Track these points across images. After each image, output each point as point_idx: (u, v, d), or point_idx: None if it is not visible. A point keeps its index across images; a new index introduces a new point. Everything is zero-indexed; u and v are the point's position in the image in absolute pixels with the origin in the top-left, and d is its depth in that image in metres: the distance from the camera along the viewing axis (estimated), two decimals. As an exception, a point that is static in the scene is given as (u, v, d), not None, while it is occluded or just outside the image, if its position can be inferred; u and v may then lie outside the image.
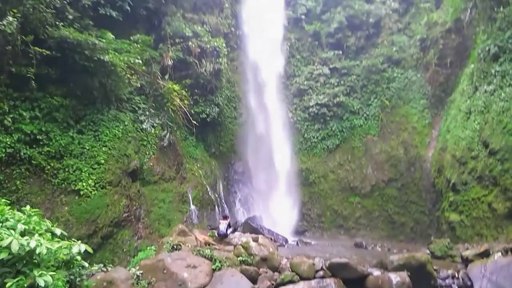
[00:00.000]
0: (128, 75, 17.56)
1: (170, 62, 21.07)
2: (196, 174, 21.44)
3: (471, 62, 22.06)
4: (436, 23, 25.33)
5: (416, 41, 26.79)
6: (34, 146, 14.01)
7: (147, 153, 18.66)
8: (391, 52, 27.81)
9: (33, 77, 13.60)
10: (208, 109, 23.72)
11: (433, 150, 24.45)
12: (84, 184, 14.63)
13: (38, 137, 14.06)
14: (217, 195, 23.07)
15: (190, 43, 22.05)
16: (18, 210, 7.01)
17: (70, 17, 15.26)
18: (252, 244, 12.55)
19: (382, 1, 29.60)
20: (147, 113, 19.16)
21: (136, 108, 18.96)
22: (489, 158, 17.81)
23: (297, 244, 21.24)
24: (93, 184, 14.87)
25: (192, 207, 19.65)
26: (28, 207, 7.19)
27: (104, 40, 15.69)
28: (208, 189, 21.79)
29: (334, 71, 28.95)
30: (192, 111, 22.46)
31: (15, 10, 12.47)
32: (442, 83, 25.47)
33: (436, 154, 23.40)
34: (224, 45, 24.25)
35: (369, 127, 27.21)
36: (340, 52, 29.16)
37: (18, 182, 13.40)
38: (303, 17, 30.71)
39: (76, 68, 15.15)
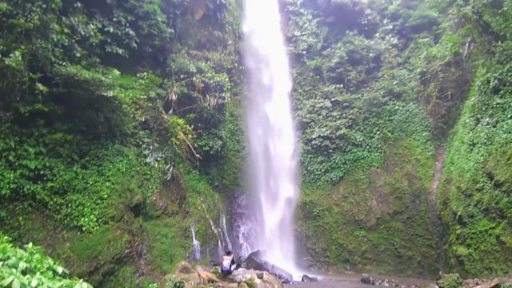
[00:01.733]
0: (133, 110, 17.82)
1: (174, 97, 21.41)
2: (199, 208, 21.27)
3: (471, 95, 22.31)
4: (435, 57, 25.82)
5: (416, 75, 27.23)
6: (38, 181, 14.02)
7: (150, 187, 18.62)
8: (391, 85, 28.23)
9: (40, 114, 13.79)
10: (211, 142, 23.87)
11: (437, 182, 24.29)
12: (86, 219, 14.52)
13: (42, 172, 14.09)
14: (220, 230, 22.78)
15: (194, 78, 22.48)
16: (20, 248, 6.93)
17: (78, 55, 15.66)
18: (257, 281, 12.28)
19: (382, 37, 30.39)
20: (151, 147, 19.28)
21: (140, 143, 19.10)
22: (494, 190, 17.65)
23: (302, 280, 20.73)
24: (95, 219, 14.74)
25: (195, 242, 19.37)
26: (30, 244, 7.11)
27: (110, 77, 16.02)
28: (211, 223, 21.55)
29: (336, 104, 29.31)
30: (196, 145, 22.59)
31: (22, 47, 12.80)
32: (443, 115, 25.65)
33: (441, 186, 23.22)
34: (227, 80, 24.70)
35: (372, 159, 27.18)
36: (341, 85, 29.64)
37: (20, 218, 13.31)
38: (304, 52, 31.48)
39: (82, 104, 15.40)
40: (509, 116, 18.02)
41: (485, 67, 20.29)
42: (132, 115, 17.83)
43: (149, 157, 18.93)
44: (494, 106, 19.07)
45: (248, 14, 29.73)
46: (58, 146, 14.89)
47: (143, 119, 18.82)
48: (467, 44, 23.93)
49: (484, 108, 19.90)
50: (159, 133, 20.17)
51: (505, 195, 16.99)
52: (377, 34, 30.59)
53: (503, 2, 18.26)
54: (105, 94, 15.08)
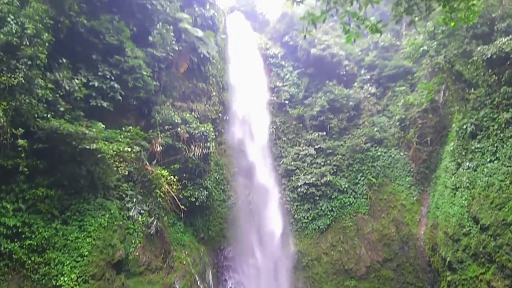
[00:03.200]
0: (117, 163, 17.60)
1: (159, 148, 21.33)
2: (184, 262, 20.52)
3: (451, 140, 22.95)
4: (413, 104, 26.75)
5: (395, 122, 28.00)
6: (15, 239, 13.40)
7: (133, 241, 17.98)
8: (372, 132, 28.90)
9: (20, 170, 13.49)
10: (196, 193, 23.55)
11: (424, 227, 24.26)
12: (66, 278, 13.76)
13: (20, 230, 13.51)
14: (206, 285, 21.89)
15: (179, 129, 22.59)
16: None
17: (62, 109, 15.63)
18: None
19: (360, 86, 31.54)
20: (135, 200, 18.86)
21: (124, 195, 18.69)
22: (481, 234, 17.69)
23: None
24: (75, 278, 13.99)
25: (180, 299, 18.50)
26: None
27: (94, 130, 15.95)
28: (197, 278, 20.73)
29: (319, 151, 29.66)
30: (181, 196, 22.25)
31: (4, 103, 12.72)
32: (425, 160, 26.16)
33: (428, 231, 23.16)
34: (212, 130, 24.90)
35: (358, 206, 27.16)
36: (324, 133, 30.18)
37: (-6, 280, 12.58)
38: (287, 102, 32.29)
39: (65, 158, 15.16)
40: (488, 160, 18.50)
41: (461, 113, 21.06)
42: (115, 168, 17.57)
43: (132, 210, 18.46)
44: (473, 150, 19.60)
45: (231, 66, 30.69)
46: (38, 201, 14.45)
47: (127, 172, 18.55)
48: (442, 92, 25.00)
49: (463, 153, 20.41)
50: (143, 185, 19.86)
51: (492, 239, 17.02)
52: (355, 84, 31.75)
53: (473, 52, 19.33)
54: (88, 147, 14.93)
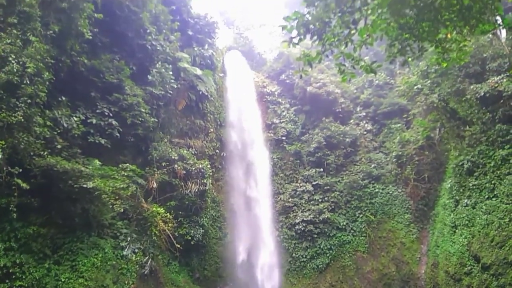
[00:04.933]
0: (112, 200, 17.39)
1: (155, 185, 21.19)
2: (179, 303, 19.85)
3: (448, 177, 22.92)
4: (409, 141, 26.95)
5: (392, 158, 28.07)
6: (6, 280, 12.98)
7: (126, 282, 17.40)
8: (370, 168, 28.90)
9: (14, 208, 13.27)
10: (192, 231, 23.16)
11: (425, 266, 23.75)
12: (55, 322, 13.26)
13: (11, 270, 13.12)
14: (201, 327, 21.04)
15: (176, 166, 22.55)
16: None
17: (59, 146, 15.61)
18: None
19: (356, 123, 31.88)
20: (129, 238, 18.47)
21: (118, 234, 18.30)
22: (482, 273, 17.33)
23: None
24: (64, 322, 13.48)
25: None
26: None
27: (90, 167, 15.89)
28: (192, 320, 19.96)
29: (317, 187, 29.49)
30: (176, 234, 21.87)
31: (2, 142, 12.70)
32: (423, 197, 26.01)
33: (429, 271, 22.66)
34: (209, 166, 24.87)
35: (357, 244, 26.70)
36: (322, 169, 30.14)
37: (-20, 324, 12.06)
38: (284, 138, 32.47)
39: (60, 196, 14.97)
40: (486, 197, 18.43)
41: (457, 150, 21.19)
42: (111, 206, 17.35)
43: (126, 249, 18.02)
44: (471, 187, 19.55)
45: (229, 103, 31.14)
46: (30, 240, 14.13)
47: (122, 210, 18.29)
48: (437, 129, 25.24)
49: (461, 190, 20.34)
50: (138, 223, 19.53)
51: (494, 278, 16.65)
52: (351, 121, 32.11)
53: (466, 90, 19.72)
54: (84, 185, 14.80)
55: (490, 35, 19.15)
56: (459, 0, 8.22)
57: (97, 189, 15.46)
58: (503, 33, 19.68)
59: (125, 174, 17.70)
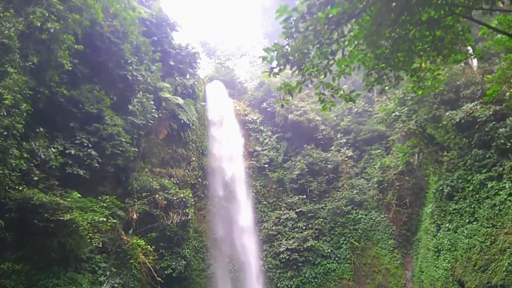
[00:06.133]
0: (91, 234, 16.82)
1: (135, 216, 20.69)
2: None
3: (429, 201, 23.21)
4: (389, 167, 27.34)
5: (374, 184, 28.34)
6: (-26, 322, 12.27)
7: (105, 319, 16.70)
8: (352, 194, 29.04)
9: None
10: (174, 263, 22.54)
11: (410, 292, 23.61)
12: None
13: (-19, 310, 12.44)
14: None
15: (156, 196, 22.16)
16: None
17: (36, 178, 15.20)
18: None
19: (337, 149, 32.24)
20: (108, 272, 17.82)
21: (96, 268, 17.64)
22: (468, 298, 17.29)
23: None
24: None
25: None
26: None
27: (68, 199, 15.45)
28: None
29: (301, 214, 29.35)
30: (157, 267, 21.22)
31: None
32: (405, 222, 26.16)
33: (415, 297, 22.53)
34: (191, 195, 24.56)
35: (342, 271, 26.46)
36: (305, 196, 30.12)
37: None
38: (266, 165, 32.46)
39: (36, 230, 14.41)
40: (467, 221, 18.67)
41: (436, 175, 21.58)
42: (89, 239, 16.77)
43: (105, 284, 17.34)
44: (451, 212, 19.81)
45: (211, 132, 31.18)
46: (3, 278, 13.46)
47: (101, 244, 17.69)
48: (416, 154, 25.75)
49: (442, 214, 20.57)
50: (117, 256, 18.90)
51: (479, 303, 16.63)
52: (333, 147, 32.47)
53: (442, 117, 20.30)
54: (62, 218, 14.34)
55: (463, 64, 19.96)
56: (432, 31, 8.60)
57: (74, 222, 14.99)
58: (475, 62, 20.55)
59: (105, 205, 17.25)
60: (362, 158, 31.40)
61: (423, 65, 9.53)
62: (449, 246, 19.40)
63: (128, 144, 20.33)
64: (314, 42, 7.82)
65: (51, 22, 15.34)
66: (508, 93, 16.74)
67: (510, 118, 17.35)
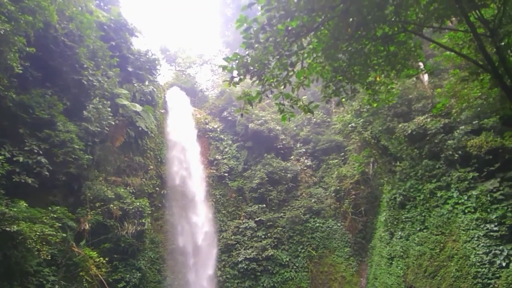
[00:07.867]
0: (38, 246, 15.90)
1: (87, 227, 19.83)
2: None
3: (383, 210, 24.01)
4: (346, 176, 28.09)
5: (331, 193, 28.96)
6: None
7: (53, 337, 15.76)
8: (310, 203, 29.49)
9: None
10: (128, 275, 21.82)
11: (365, 299, 24.18)
12: None
13: None
14: None
15: (111, 205, 21.41)
16: None
17: (-22, 187, 14.25)
18: None
19: (297, 159, 32.70)
20: (57, 286, 16.86)
21: (44, 282, 16.63)
22: (418, 304, 17.94)
23: None
24: None
25: None
26: None
27: (15, 209, 14.54)
28: None
29: (260, 223, 29.39)
30: (110, 279, 20.42)
31: None
32: (361, 230, 26.89)
33: (369, 303, 23.09)
34: (148, 205, 23.92)
35: (300, 280, 26.67)
36: (264, 205, 30.21)
37: None
38: (226, 174, 32.30)
39: (-24, 242, 13.47)
40: (418, 229, 19.45)
41: (390, 185, 22.38)
42: (36, 251, 15.83)
43: (53, 299, 16.42)
44: (404, 220, 20.58)
45: (169, 140, 30.64)
46: None
47: (50, 255, 16.76)
48: (371, 164, 26.65)
49: (395, 223, 21.34)
50: (67, 269, 17.97)
51: (429, 308, 17.31)
52: (292, 157, 32.90)
53: (395, 128, 21.16)
54: (8, 229, 13.46)
55: (415, 79, 20.96)
56: (386, 47, 8.99)
57: (21, 234, 14.13)
58: (426, 77, 21.67)
59: (55, 216, 16.40)
60: (320, 168, 32.03)
61: (377, 78, 9.92)
62: (402, 253, 20.12)
63: (81, 152, 19.55)
64: (274, 53, 7.93)
65: (1, 23, 14.57)
66: (456, 107, 17.77)
67: (458, 131, 18.35)
